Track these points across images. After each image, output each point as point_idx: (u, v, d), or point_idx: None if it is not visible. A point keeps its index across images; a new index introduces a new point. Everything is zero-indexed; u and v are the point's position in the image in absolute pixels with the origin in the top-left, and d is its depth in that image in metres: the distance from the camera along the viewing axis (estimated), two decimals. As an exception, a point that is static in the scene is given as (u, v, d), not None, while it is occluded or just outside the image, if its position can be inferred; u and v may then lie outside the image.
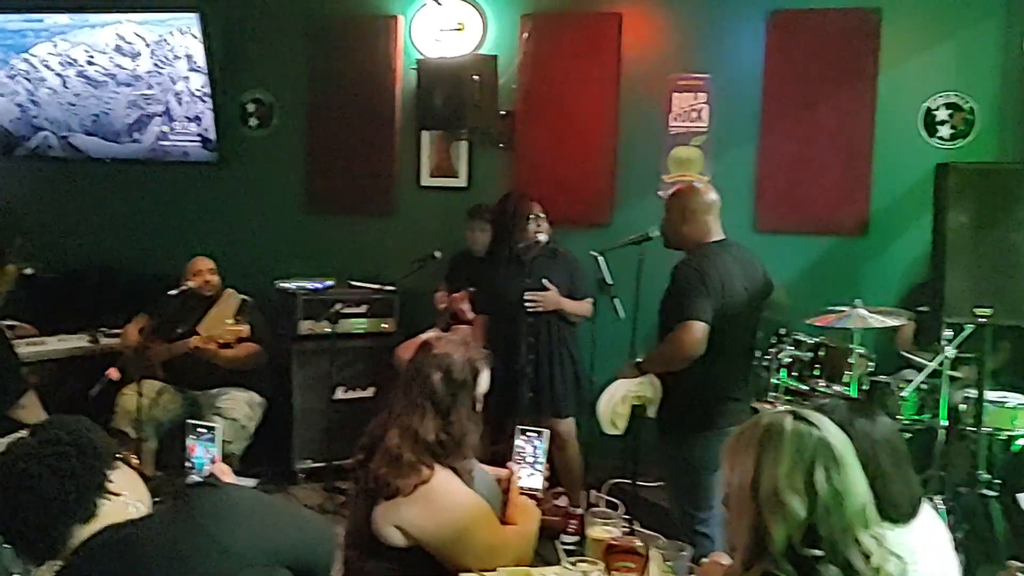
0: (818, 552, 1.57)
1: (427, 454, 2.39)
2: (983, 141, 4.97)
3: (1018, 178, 3.59)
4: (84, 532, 1.64)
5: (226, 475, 2.42)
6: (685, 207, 3.60)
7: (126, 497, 1.69)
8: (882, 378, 4.42)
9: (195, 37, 5.81)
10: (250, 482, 4.02)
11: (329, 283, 5.49)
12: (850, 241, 5.18)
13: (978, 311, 3.51)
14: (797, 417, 1.67)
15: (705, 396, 3.50)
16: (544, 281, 4.47)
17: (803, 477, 1.59)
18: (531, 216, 4.51)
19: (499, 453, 4.02)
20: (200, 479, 2.45)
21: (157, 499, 1.76)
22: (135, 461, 1.76)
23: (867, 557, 1.59)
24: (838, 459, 1.62)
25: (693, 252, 3.57)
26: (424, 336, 3.04)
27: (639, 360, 3.60)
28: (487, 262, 4.72)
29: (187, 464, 2.59)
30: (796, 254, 5.22)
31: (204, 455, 2.57)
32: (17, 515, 1.61)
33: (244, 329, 4.77)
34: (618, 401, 3.54)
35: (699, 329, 3.37)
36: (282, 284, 5.45)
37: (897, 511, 1.96)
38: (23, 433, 1.70)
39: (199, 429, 2.60)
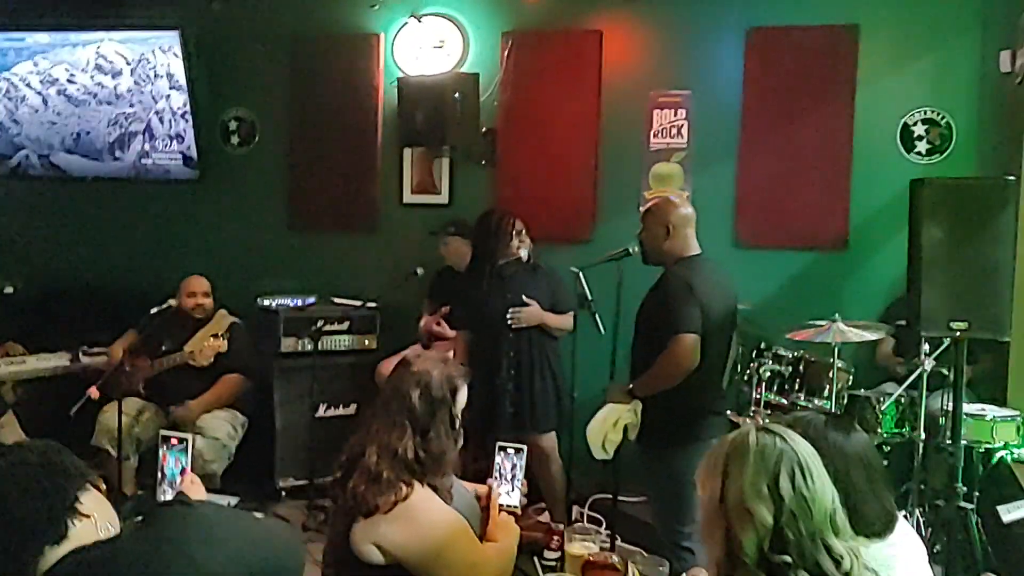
0: (787, 558, 1.59)
1: (405, 471, 2.39)
2: (959, 156, 5.02)
3: (992, 193, 3.61)
4: (55, 554, 1.63)
5: (196, 488, 2.41)
6: (667, 222, 3.62)
7: (96, 519, 1.68)
8: (862, 392, 4.45)
9: (176, 55, 5.81)
10: (231, 500, 4.00)
11: (311, 300, 5.49)
12: (830, 256, 5.21)
13: (954, 325, 3.54)
14: (762, 430, 1.70)
15: (687, 409, 3.52)
16: (524, 296, 4.48)
17: (768, 484, 1.61)
18: (513, 232, 4.53)
19: (482, 470, 4.04)
20: (171, 496, 2.44)
21: (139, 516, 1.75)
22: (103, 485, 1.75)
23: (837, 562, 1.61)
24: (803, 466, 1.64)
25: (673, 266, 3.59)
26: (405, 353, 3.04)
27: (631, 386, 3.59)
28: (468, 278, 4.73)
29: (159, 475, 2.59)
30: (776, 269, 5.25)
31: (175, 466, 2.56)
32: (-14, 536, 1.60)
33: (222, 345, 4.76)
34: (610, 427, 3.55)
35: (692, 341, 3.39)
36: (264, 301, 5.44)
37: (870, 528, 1.96)
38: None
39: (171, 440, 2.59)
